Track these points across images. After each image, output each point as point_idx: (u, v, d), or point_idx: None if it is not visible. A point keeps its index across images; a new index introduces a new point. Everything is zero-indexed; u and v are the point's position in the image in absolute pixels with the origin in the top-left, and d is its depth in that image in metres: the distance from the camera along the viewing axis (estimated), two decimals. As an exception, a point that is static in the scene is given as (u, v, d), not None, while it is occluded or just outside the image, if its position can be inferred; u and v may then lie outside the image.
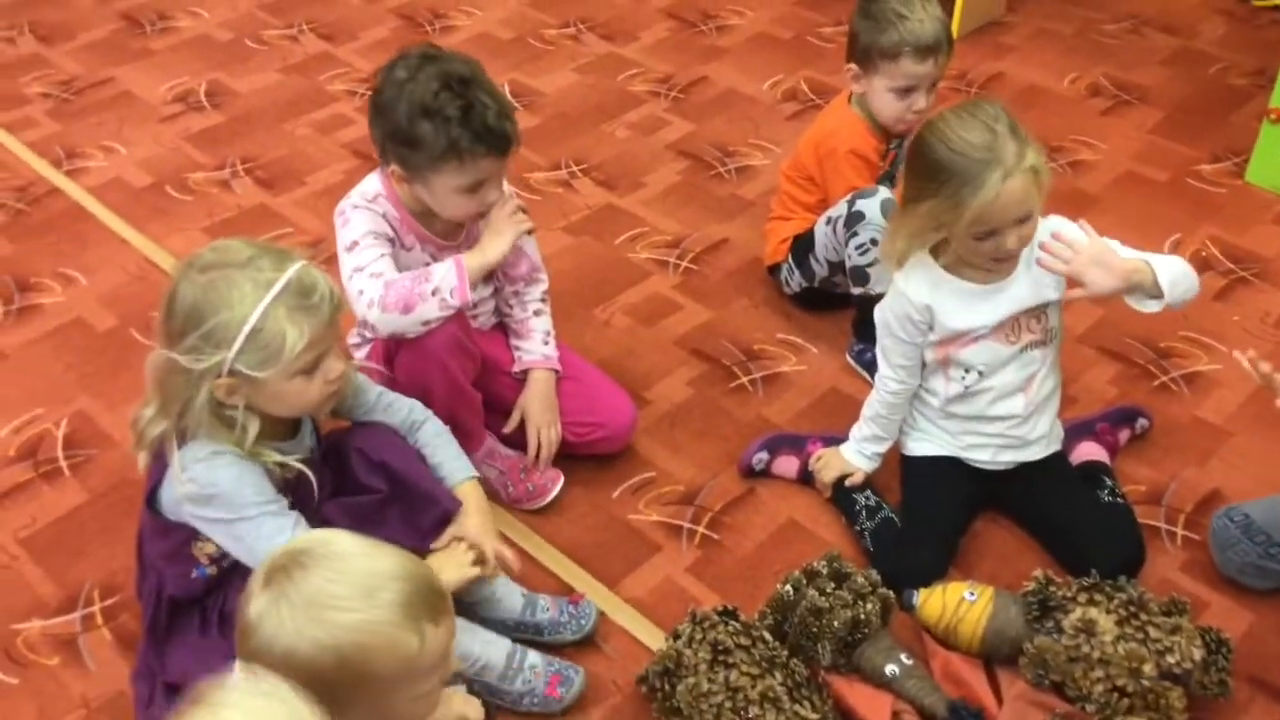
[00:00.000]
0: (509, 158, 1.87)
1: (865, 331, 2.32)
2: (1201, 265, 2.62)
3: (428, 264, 1.93)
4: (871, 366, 2.29)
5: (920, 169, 1.77)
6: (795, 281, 2.45)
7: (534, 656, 1.75)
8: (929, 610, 1.81)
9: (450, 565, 1.69)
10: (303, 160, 2.99)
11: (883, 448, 2.04)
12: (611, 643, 1.86)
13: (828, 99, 3.19)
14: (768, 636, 1.74)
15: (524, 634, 1.81)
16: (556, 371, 2.10)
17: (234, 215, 2.80)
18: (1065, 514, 1.97)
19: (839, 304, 2.46)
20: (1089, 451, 2.11)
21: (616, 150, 3.02)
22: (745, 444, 2.17)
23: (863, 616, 1.76)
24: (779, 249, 2.47)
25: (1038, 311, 1.90)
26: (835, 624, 1.75)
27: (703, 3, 3.69)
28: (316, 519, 1.66)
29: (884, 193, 2.23)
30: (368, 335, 2.00)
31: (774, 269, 2.51)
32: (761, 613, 1.82)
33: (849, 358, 2.38)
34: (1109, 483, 2.03)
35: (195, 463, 1.54)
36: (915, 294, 1.88)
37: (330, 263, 1.94)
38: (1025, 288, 1.87)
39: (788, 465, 2.12)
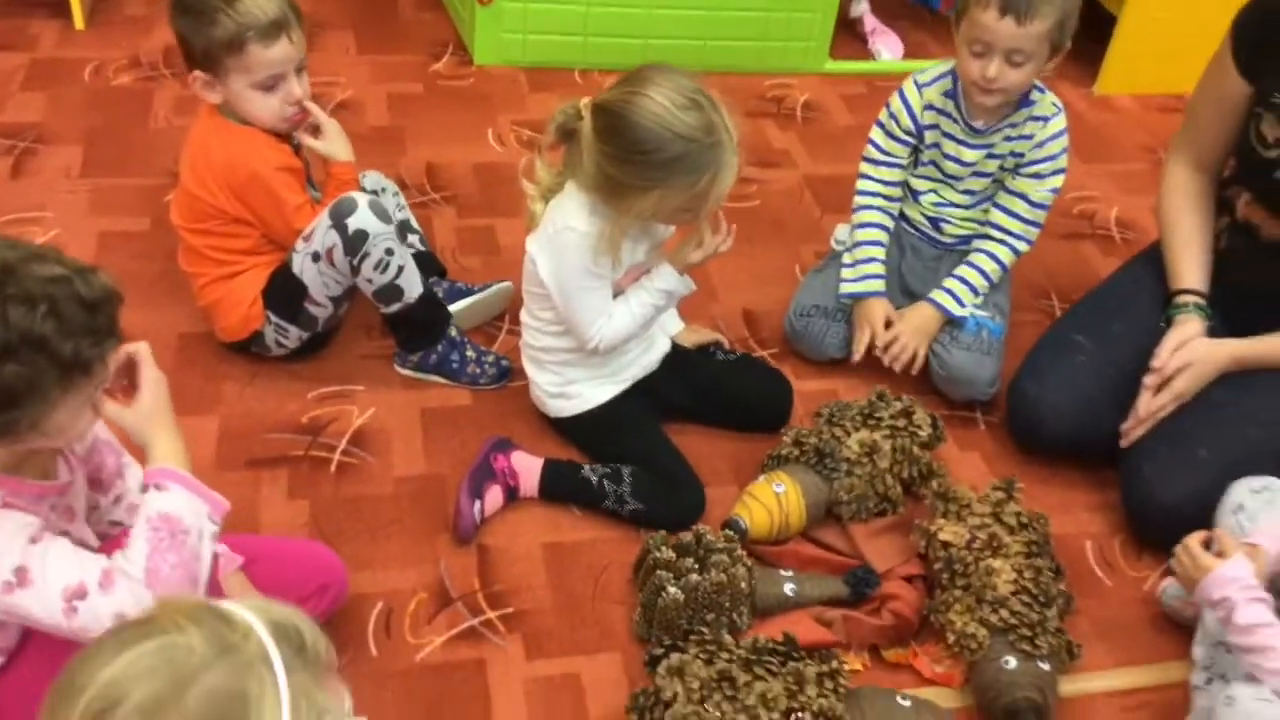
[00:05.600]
0: None
1: (416, 340, 2.09)
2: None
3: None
4: (439, 367, 2.11)
5: (645, 160, 1.66)
6: (293, 338, 2.04)
7: None
8: (760, 525, 1.83)
9: None
10: None
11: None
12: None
13: None
14: (724, 637, 1.63)
15: None
16: (239, 563, 1.53)
17: None
18: (719, 385, 2.06)
19: (329, 337, 2.15)
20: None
21: None
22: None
23: (747, 564, 1.73)
24: (250, 315, 2.01)
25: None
26: (741, 585, 1.69)
27: None
28: None
29: (361, 196, 1.95)
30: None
31: (251, 340, 2.05)
32: (654, 638, 1.67)
33: (405, 371, 2.11)
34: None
35: None
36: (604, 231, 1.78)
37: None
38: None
39: (495, 496, 1.88)
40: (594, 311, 1.83)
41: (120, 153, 2.56)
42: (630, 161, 1.68)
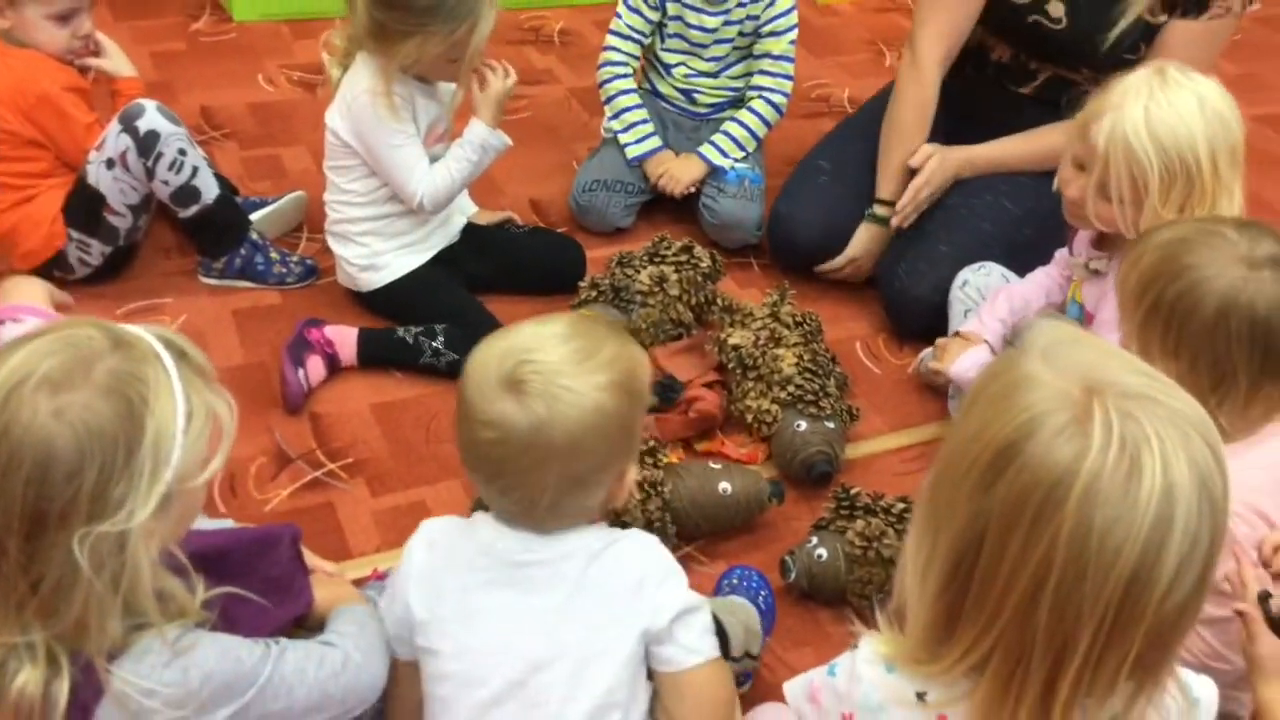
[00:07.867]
0: None
1: (218, 244, 2.17)
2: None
3: None
4: (245, 271, 2.20)
5: (408, 5, 1.81)
6: (95, 254, 2.09)
7: None
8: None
9: None
10: None
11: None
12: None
13: None
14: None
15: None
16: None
17: None
18: (516, 253, 2.23)
19: (129, 256, 2.19)
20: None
21: None
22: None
23: (563, 382, 1.90)
24: (53, 234, 2.05)
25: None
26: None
27: None
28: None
29: (149, 101, 2.03)
30: None
31: (53, 261, 2.07)
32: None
33: (211, 280, 2.18)
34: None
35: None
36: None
37: None
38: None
39: (316, 366, 1.98)
40: (410, 165, 1.96)
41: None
42: (394, 6, 1.84)
